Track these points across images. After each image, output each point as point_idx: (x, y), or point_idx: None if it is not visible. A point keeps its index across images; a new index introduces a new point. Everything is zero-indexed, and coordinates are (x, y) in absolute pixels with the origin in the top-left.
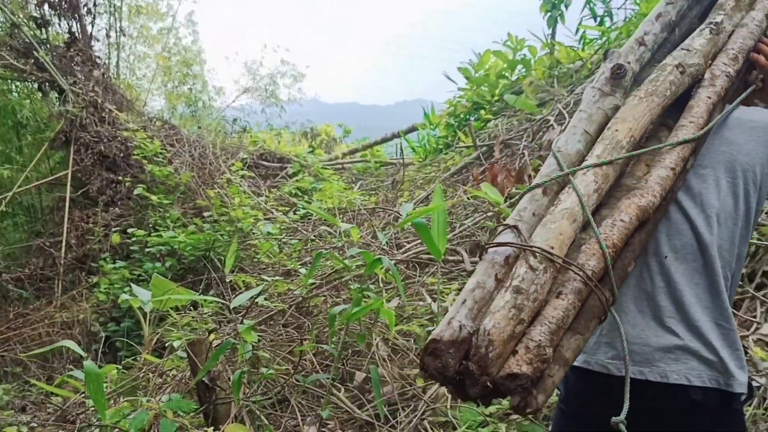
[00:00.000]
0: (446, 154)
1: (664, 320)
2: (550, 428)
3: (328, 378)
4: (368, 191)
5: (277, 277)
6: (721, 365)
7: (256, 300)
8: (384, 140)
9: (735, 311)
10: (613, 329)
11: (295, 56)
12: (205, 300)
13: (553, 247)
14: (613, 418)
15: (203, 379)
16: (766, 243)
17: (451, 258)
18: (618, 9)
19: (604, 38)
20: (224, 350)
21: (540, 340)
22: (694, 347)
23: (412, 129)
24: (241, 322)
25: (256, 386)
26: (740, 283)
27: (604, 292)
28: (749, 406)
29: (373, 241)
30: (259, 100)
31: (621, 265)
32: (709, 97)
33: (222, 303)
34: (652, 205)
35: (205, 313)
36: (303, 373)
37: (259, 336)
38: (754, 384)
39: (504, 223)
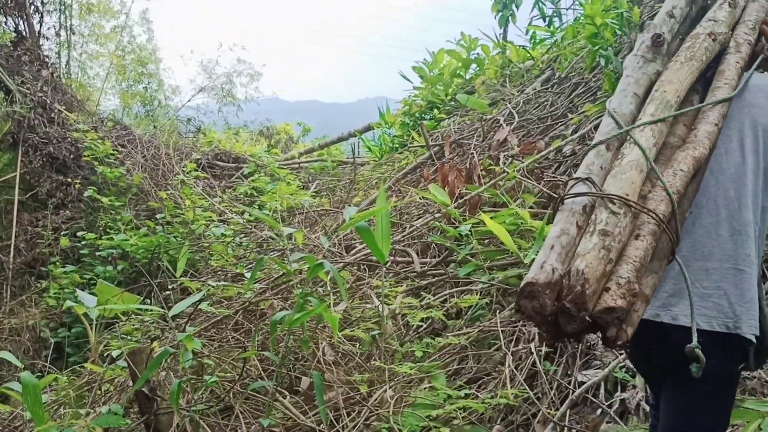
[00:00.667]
0: (401, 153)
1: (695, 272)
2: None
3: (271, 385)
4: (324, 191)
5: (223, 282)
6: (730, 309)
7: (199, 306)
8: (340, 139)
9: None
10: None
11: (253, 55)
12: (145, 309)
13: (627, 194)
14: (687, 345)
15: (143, 389)
16: None
17: (401, 259)
18: (567, 9)
19: (554, 38)
20: (162, 360)
21: (628, 277)
22: (707, 293)
23: (368, 128)
24: (184, 329)
25: (199, 394)
26: None
27: (675, 233)
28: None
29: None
30: (216, 99)
31: (681, 210)
32: (737, 62)
33: (160, 311)
34: (703, 156)
35: (149, 321)
36: (248, 379)
37: (205, 342)
38: None
39: (575, 177)
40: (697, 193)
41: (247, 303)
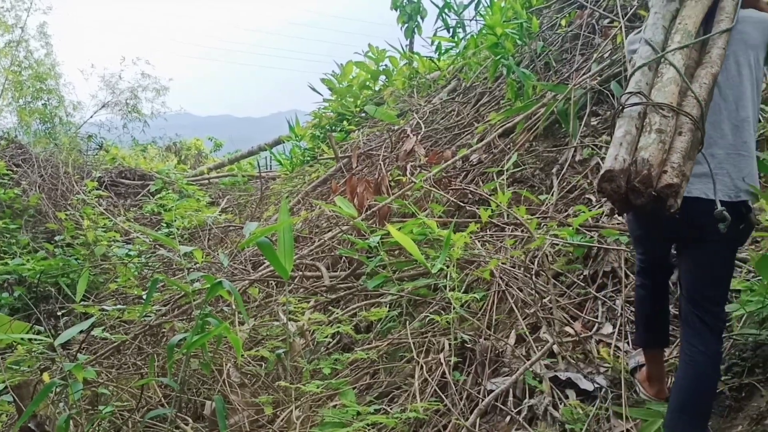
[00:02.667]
0: (311, 166)
1: (714, 154)
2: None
3: (171, 412)
4: (235, 206)
5: (120, 305)
6: (732, 183)
7: (92, 332)
8: (250, 153)
9: (579, 312)
10: None
11: (160, 69)
12: (30, 338)
13: (672, 103)
14: (716, 210)
15: (29, 424)
16: (606, 246)
17: (310, 274)
18: (470, 21)
19: (458, 49)
20: (47, 392)
21: (679, 162)
22: (714, 172)
23: (278, 142)
24: (75, 358)
25: (94, 426)
26: (582, 284)
27: (703, 130)
28: (592, 405)
29: (230, 262)
30: (120, 114)
31: (705, 112)
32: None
33: (47, 340)
34: (717, 72)
35: (37, 351)
36: (148, 407)
37: (102, 370)
38: (596, 385)
39: (629, 92)
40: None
41: (147, 326)
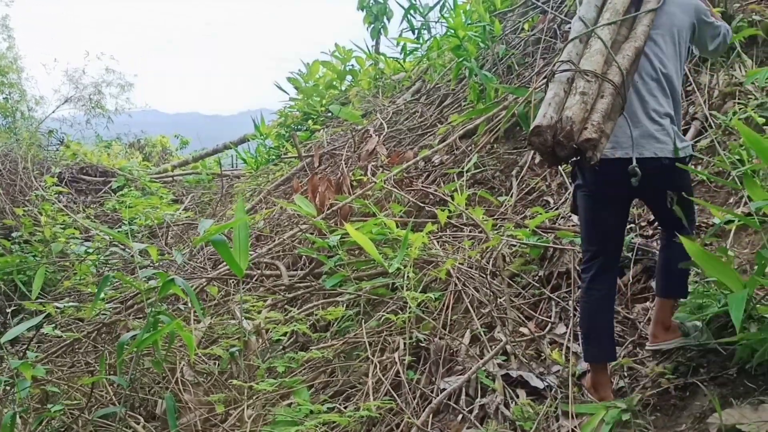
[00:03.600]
0: (276, 164)
1: (640, 120)
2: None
3: (121, 410)
4: (199, 204)
5: (74, 303)
6: (673, 144)
7: (43, 330)
8: (215, 151)
9: (533, 312)
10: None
11: (126, 65)
12: None
13: (596, 70)
14: (630, 167)
15: None
16: (560, 246)
17: (269, 272)
18: (435, 22)
19: (423, 50)
20: None
21: (599, 121)
22: (659, 136)
23: (243, 140)
24: (24, 356)
25: (43, 425)
26: (537, 285)
27: (624, 96)
28: (542, 405)
29: (190, 260)
30: (84, 110)
31: (627, 81)
32: None
33: None
34: (641, 47)
35: None
36: (99, 406)
37: (54, 369)
38: (546, 384)
39: (561, 60)
40: (639, 69)
41: (102, 324)
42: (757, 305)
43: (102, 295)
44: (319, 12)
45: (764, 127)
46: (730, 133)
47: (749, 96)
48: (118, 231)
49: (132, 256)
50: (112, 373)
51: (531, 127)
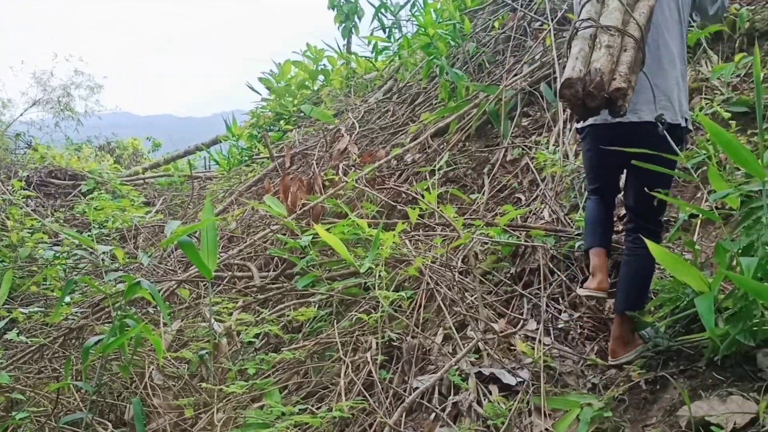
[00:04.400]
0: (248, 165)
1: (645, 84)
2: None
3: (88, 416)
4: (171, 207)
5: (38, 308)
6: (675, 111)
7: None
8: (187, 153)
9: (505, 309)
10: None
11: (96, 66)
12: None
13: (617, 26)
14: (657, 115)
15: None
16: (531, 243)
17: (241, 274)
18: (406, 21)
19: (394, 49)
20: None
21: (626, 72)
22: (664, 102)
23: (216, 141)
24: None
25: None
26: (509, 282)
27: (643, 50)
28: (514, 401)
29: (160, 263)
30: (53, 113)
31: (645, 36)
32: None
33: None
34: (653, 5)
35: None
36: (66, 412)
37: (20, 375)
38: (518, 379)
39: (581, 19)
40: (650, 33)
41: (69, 329)
42: (723, 299)
43: (69, 300)
44: (289, 12)
45: (730, 121)
46: (697, 128)
47: (715, 91)
48: (87, 235)
49: (100, 259)
50: (79, 378)
51: (561, 80)
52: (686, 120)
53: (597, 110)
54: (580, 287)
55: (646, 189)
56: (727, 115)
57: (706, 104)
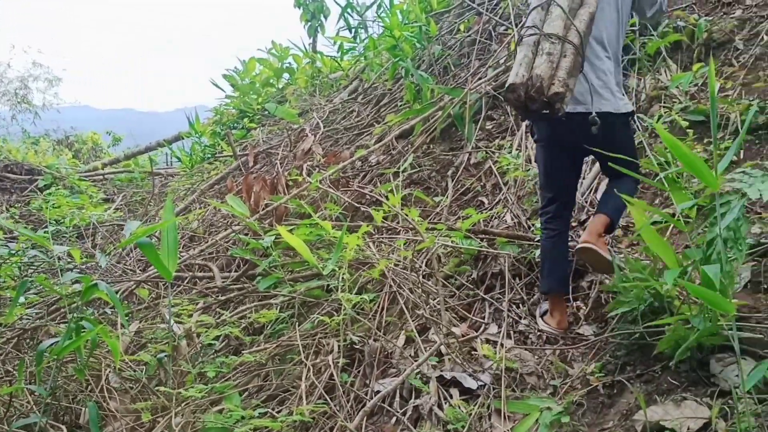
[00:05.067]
0: (211, 163)
1: (589, 78)
2: (536, 161)
3: (42, 420)
4: (131, 204)
5: None
6: (618, 102)
7: None
8: (148, 149)
9: (467, 313)
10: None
11: (55, 59)
12: None
13: (558, 33)
14: (590, 116)
15: None
16: (494, 251)
17: (202, 274)
18: (372, 22)
19: (360, 49)
20: None
21: (564, 77)
22: (603, 93)
23: (178, 138)
24: None
25: None
26: (471, 286)
27: (582, 55)
28: (475, 405)
29: (119, 263)
30: (9, 105)
31: (585, 41)
32: None
33: None
34: (594, 11)
35: None
36: (19, 416)
37: None
38: (479, 383)
39: (527, 26)
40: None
41: (22, 330)
42: (682, 304)
43: (24, 300)
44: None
45: (687, 130)
46: (656, 136)
47: (674, 100)
48: (44, 232)
49: (56, 259)
50: (33, 381)
51: (507, 85)
52: (626, 103)
53: (537, 112)
54: (540, 318)
55: (612, 158)
56: (684, 123)
57: (665, 112)
